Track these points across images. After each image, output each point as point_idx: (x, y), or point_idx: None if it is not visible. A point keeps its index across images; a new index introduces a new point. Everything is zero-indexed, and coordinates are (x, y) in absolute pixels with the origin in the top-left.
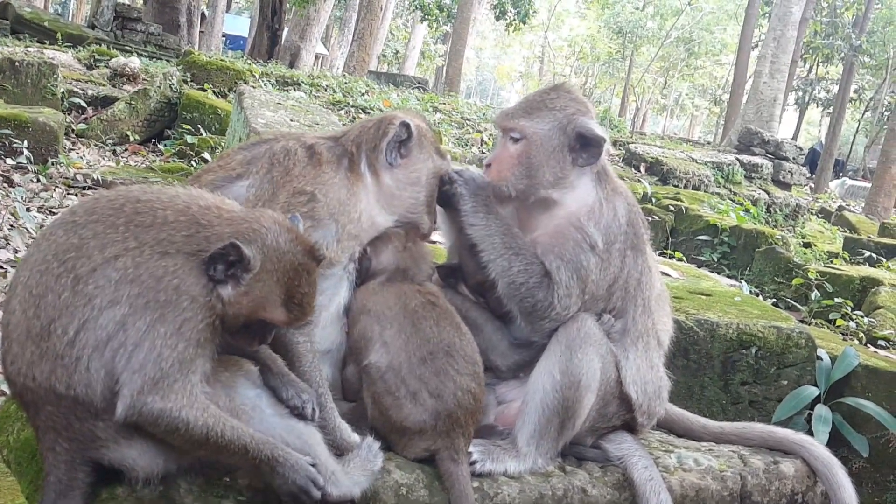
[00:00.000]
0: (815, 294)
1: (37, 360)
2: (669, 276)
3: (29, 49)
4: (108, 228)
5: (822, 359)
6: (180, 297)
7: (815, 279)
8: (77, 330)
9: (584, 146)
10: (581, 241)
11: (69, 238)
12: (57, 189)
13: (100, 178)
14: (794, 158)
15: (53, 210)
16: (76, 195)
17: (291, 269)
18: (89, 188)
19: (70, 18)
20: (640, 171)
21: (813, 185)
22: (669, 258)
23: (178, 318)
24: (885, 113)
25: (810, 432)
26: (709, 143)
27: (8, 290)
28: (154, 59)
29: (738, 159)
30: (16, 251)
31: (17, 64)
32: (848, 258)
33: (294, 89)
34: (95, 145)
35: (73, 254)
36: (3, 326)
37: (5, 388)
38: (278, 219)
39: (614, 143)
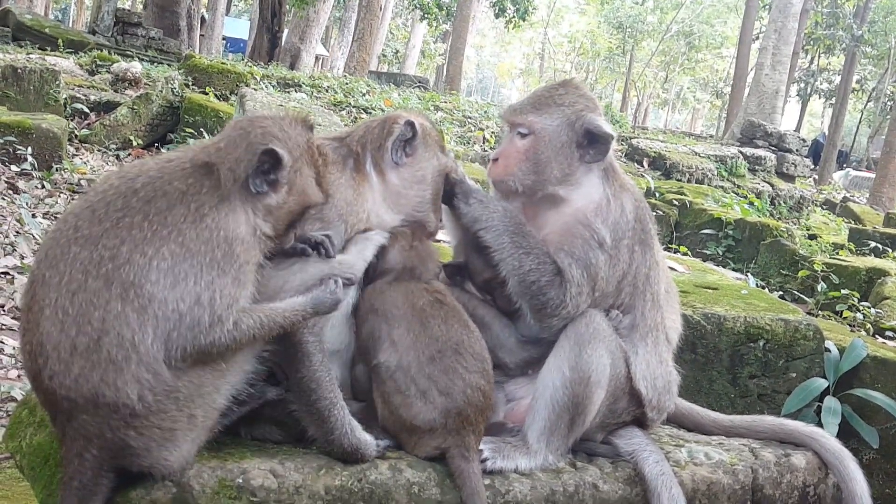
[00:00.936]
0: (821, 286)
1: (86, 373)
2: (675, 270)
3: (31, 56)
4: (132, 230)
5: (830, 350)
6: (233, 245)
7: (821, 271)
8: (135, 333)
9: (592, 143)
10: (590, 239)
11: (92, 253)
12: (62, 195)
13: (99, 182)
14: (797, 150)
15: (58, 216)
16: None
17: (308, 147)
18: None
19: (70, 25)
20: (642, 167)
21: (817, 177)
22: (674, 252)
23: (234, 265)
24: (888, 103)
25: (820, 424)
26: (711, 136)
27: (28, 311)
28: (155, 64)
29: (741, 152)
30: (22, 257)
31: (19, 71)
32: (853, 249)
33: (295, 91)
34: (99, 150)
35: (110, 265)
36: (34, 345)
37: (14, 393)
38: (267, 115)
39: (617, 139)
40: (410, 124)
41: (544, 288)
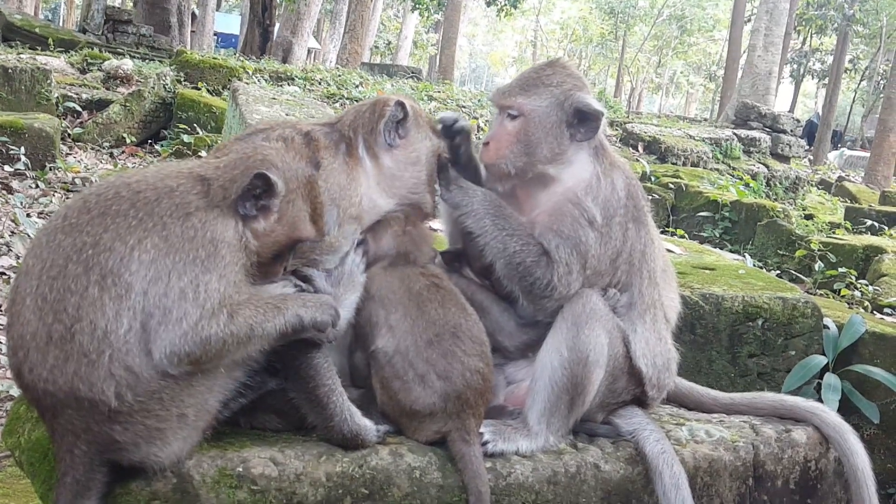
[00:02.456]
0: (818, 265)
1: (60, 364)
2: (673, 251)
3: (21, 56)
4: (117, 218)
5: (828, 327)
6: (218, 246)
7: (818, 250)
8: (109, 322)
9: (582, 121)
10: (579, 217)
11: (76, 239)
12: (56, 194)
13: (98, 181)
14: (791, 131)
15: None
16: None
17: (307, 181)
18: None
19: (61, 24)
20: (637, 151)
21: (812, 157)
22: (671, 235)
23: (220, 264)
24: (881, 82)
25: (820, 401)
26: (706, 119)
27: (12, 304)
28: (147, 61)
29: (735, 134)
30: (17, 257)
31: (10, 71)
32: (850, 228)
33: (288, 84)
34: (92, 149)
35: (90, 251)
36: (15, 338)
37: (13, 392)
38: (271, 143)
39: (611, 124)
40: (401, 105)
41: (531, 268)
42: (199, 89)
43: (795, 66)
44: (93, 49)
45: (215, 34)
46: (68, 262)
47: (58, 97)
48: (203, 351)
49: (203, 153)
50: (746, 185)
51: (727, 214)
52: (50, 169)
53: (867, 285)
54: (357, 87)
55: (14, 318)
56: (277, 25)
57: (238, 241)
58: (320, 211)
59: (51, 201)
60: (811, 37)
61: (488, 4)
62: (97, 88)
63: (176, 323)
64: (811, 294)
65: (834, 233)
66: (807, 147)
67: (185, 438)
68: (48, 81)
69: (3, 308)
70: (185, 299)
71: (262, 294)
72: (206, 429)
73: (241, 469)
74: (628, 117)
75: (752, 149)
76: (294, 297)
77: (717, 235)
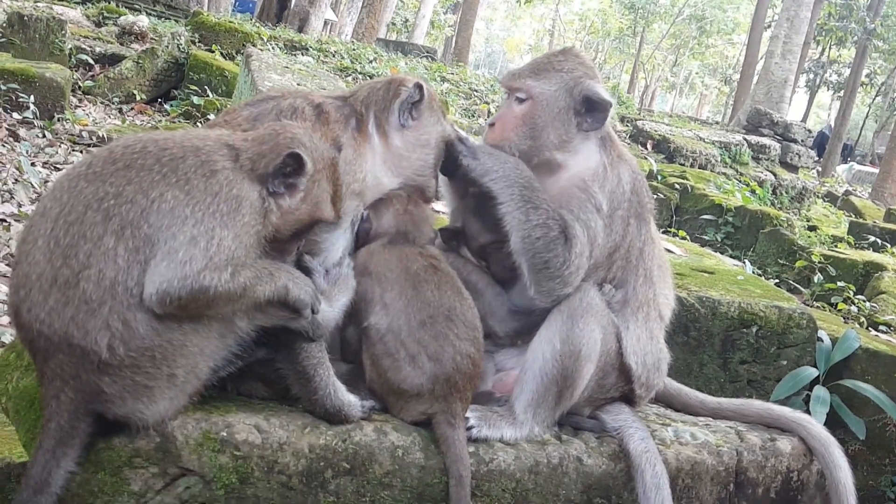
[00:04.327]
0: (817, 277)
1: (59, 307)
2: (673, 252)
3: (38, 4)
4: (141, 172)
5: (822, 340)
6: (241, 203)
7: (819, 262)
8: (119, 272)
9: (590, 110)
10: (587, 202)
11: (98, 188)
12: (62, 145)
13: (105, 135)
14: (802, 141)
15: (58, 166)
16: (81, 152)
17: (331, 164)
18: (94, 145)
19: None
20: (646, 149)
21: (820, 169)
22: (673, 236)
23: (238, 222)
24: None
25: (808, 413)
26: (717, 122)
27: (23, 243)
28: (162, 19)
29: (745, 140)
30: (20, 205)
31: (25, 18)
32: (852, 243)
33: (302, 54)
34: (102, 103)
35: (112, 202)
36: (20, 276)
37: (4, 339)
38: (296, 124)
39: (622, 120)
40: (419, 87)
41: (550, 244)
42: (212, 52)
43: (812, 76)
44: (109, 3)
45: None
46: (88, 209)
47: (71, 48)
48: (193, 298)
49: (212, 116)
50: (752, 191)
51: (730, 219)
52: (58, 120)
53: (865, 301)
54: (371, 62)
55: (23, 256)
56: None
57: (261, 205)
58: (340, 193)
59: (56, 152)
60: (830, 48)
61: None
62: (111, 43)
63: (179, 264)
64: (808, 306)
65: (836, 246)
66: (816, 158)
67: (171, 399)
68: (63, 32)
69: (0, 255)
70: (195, 245)
71: (261, 260)
72: (193, 393)
73: (224, 434)
74: (640, 114)
75: (761, 155)
76: (287, 269)
77: (719, 240)
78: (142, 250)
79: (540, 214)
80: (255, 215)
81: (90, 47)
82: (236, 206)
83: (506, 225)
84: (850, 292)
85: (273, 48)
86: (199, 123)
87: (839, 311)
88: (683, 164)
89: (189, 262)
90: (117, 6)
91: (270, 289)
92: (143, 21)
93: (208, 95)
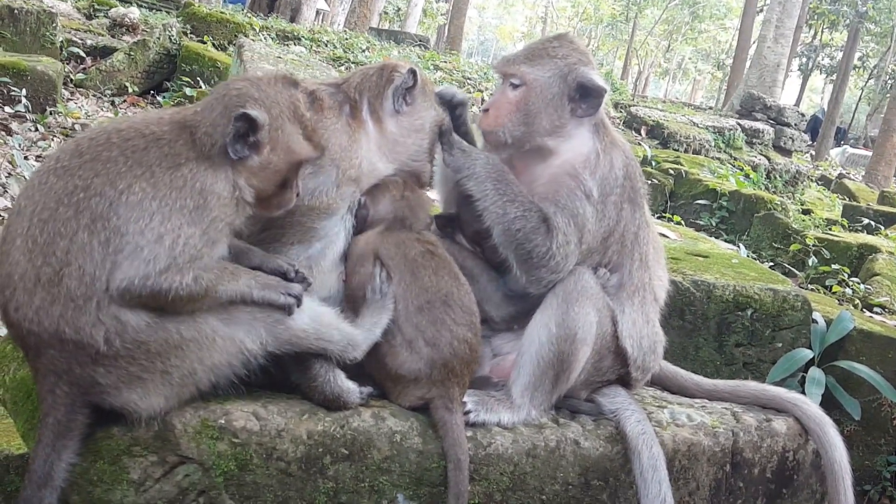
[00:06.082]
0: (812, 260)
1: (46, 306)
2: (667, 237)
3: None
4: (107, 164)
5: (817, 322)
6: (207, 198)
7: (813, 245)
8: (98, 264)
9: (584, 96)
10: (576, 189)
11: (67, 182)
12: (55, 138)
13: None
14: (795, 125)
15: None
16: None
17: (290, 104)
18: None
19: None
20: (640, 135)
21: (814, 153)
22: (668, 221)
23: (206, 218)
24: (889, 81)
25: (804, 395)
26: (711, 107)
27: (3, 243)
28: (153, 10)
29: (739, 124)
30: (13, 199)
31: (15, 12)
32: (846, 225)
33: (294, 44)
34: (94, 95)
35: (82, 195)
36: (3, 277)
37: (2, 332)
38: (244, 77)
39: (616, 106)
40: (413, 72)
41: (530, 235)
42: (204, 43)
43: (804, 59)
44: None
45: None
46: (59, 204)
47: (62, 41)
48: (153, 297)
49: None
50: (746, 175)
51: (725, 204)
52: (50, 113)
53: (859, 283)
54: (364, 51)
55: (3, 257)
56: None
57: (230, 193)
58: (312, 127)
59: (49, 145)
60: (822, 31)
61: None
62: (102, 35)
63: (143, 262)
64: (803, 289)
65: (830, 229)
66: (810, 142)
67: (166, 397)
68: (53, 25)
69: None
70: (160, 244)
71: (226, 262)
72: (189, 399)
73: (223, 421)
74: (634, 100)
75: (754, 140)
76: (248, 271)
77: (714, 224)
78: (111, 242)
79: (517, 207)
80: (223, 207)
81: (81, 40)
82: (203, 202)
83: (486, 221)
84: (845, 275)
85: (265, 38)
86: None
87: (834, 293)
88: (677, 150)
89: (153, 260)
90: None
91: (233, 289)
92: (134, 13)
93: (201, 87)
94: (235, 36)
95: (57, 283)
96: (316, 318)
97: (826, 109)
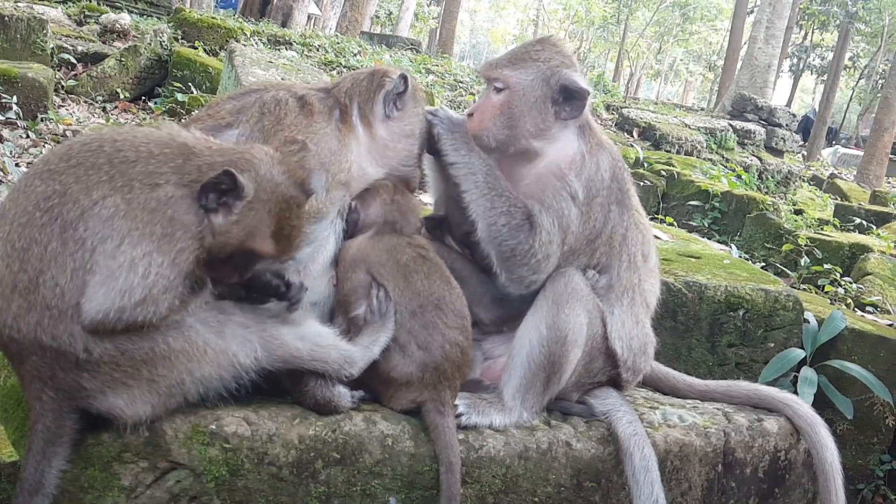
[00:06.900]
0: (804, 260)
1: (23, 313)
2: (660, 238)
3: (18, 4)
4: (89, 170)
5: (809, 321)
6: (175, 227)
7: (805, 245)
8: (69, 278)
9: (568, 99)
10: (561, 189)
11: (48, 186)
12: (46, 145)
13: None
14: (787, 125)
15: None
16: None
17: (283, 200)
18: None
19: None
20: (632, 136)
21: (805, 153)
22: (660, 223)
23: (173, 248)
24: (880, 81)
25: (795, 394)
26: (702, 109)
27: None
28: (144, 16)
29: (731, 125)
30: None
31: (5, 19)
32: (838, 225)
33: (286, 49)
34: (85, 102)
35: (57, 200)
36: None
37: None
38: (270, 152)
39: (608, 108)
40: (404, 78)
41: (513, 231)
42: (195, 48)
43: (795, 60)
44: (91, 1)
45: None
46: (36, 209)
47: (53, 48)
48: (126, 328)
49: (196, 113)
50: (738, 176)
51: (717, 205)
52: (41, 120)
53: (851, 283)
54: (355, 55)
55: None
56: None
57: (196, 226)
58: (289, 233)
59: (41, 152)
60: (813, 32)
61: None
62: (93, 41)
63: (118, 293)
64: (795, 288)
65: (822, 229)
66: (801, 142)
67: (152, 405)
68: (44, 31)
69: None
70: (134, 272)
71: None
72: (175, 408)
73: (213, 426)
74: (626, 102)
75: (746, 141)
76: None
77: (706, 225)
78: (78, 256)
79: (504, 202)
80: (189, 239)
81: (72, 46)
82: (171, 231)
83: (471, 214)
84: (837, 274)
85: (257, 43)
86: (183, 120)
87: (826, 293)
88: (669, 151)
89: (129, 292)
90: (98, 4)
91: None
92: (125, 19)
93: (192, 92)
94: (227, 41)
95: (33, 291)
96: (313, 338)
97: (817, 110)
